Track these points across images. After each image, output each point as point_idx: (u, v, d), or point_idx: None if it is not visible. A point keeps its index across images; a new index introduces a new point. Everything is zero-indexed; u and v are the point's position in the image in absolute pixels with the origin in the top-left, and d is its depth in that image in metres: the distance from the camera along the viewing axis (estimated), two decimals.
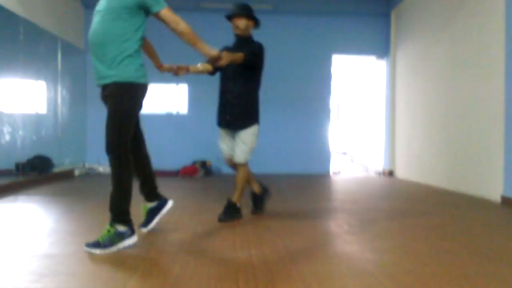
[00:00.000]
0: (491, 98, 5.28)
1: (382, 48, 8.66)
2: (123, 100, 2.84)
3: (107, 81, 2.85)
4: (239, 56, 3.55)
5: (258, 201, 4.18)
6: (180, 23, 2.88)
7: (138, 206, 3.35)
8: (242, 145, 3.81)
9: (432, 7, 6.94)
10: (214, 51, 3.14)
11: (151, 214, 3.34)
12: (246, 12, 3.85)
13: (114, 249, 2.77)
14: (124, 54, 2.82)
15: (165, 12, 2.86)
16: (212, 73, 3.97)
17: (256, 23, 3.94)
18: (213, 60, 3.22)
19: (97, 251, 2.72)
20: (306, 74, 8.52)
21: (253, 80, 3.89)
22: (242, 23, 3.83)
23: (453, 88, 6.22)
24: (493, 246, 3.11)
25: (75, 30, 7.91)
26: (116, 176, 2.88)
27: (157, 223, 3.36)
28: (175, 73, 3.66)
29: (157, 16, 2.87)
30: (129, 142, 2.89)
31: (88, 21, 8.23)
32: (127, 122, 2.87)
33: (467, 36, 5.89)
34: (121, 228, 2.84)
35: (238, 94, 3.82)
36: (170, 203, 3.40)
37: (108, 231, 2.81)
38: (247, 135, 3.82)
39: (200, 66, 3.88)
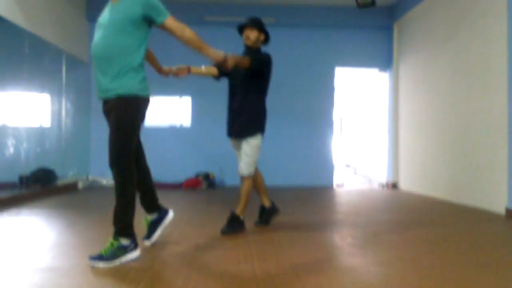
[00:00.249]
0: (494, 110, 5.28)
1: (385, 61, 8.68)
2: (127, 112, 2.83)
3: (110, 94, 2.85)
4: (246, 59, 3.59)
5: (265, 214, 4.18)
6: (185, 30, 2.89)
7: (141, 218, 3.34)
8: (245, 158, 3.82)
9: (434, 20, 6.97)
10: (220, 55, 3.12)
11: (153, 226, 3.33)
12: (259, 25, 3.92)
13: (117, 262, 2.76)
14: (127, 67, 2.83)
15: (170, 22, 2.87)
16: (217, 77, 3.98)
17: (267, 38, 4.01)
18: (220, 63, 3.21)
19: (100, 264, 2.71)
20: (309, 87, 8.55)
21: (259, 89, 3.91)
22: (253, 34, 3.89)
23: (456, 100, 6.23)
24: (498, 258, 3.09)
25: (80, 43, 7.97)
26: (119, 190, 2.86)
27: (160, 235, 3.36)
28: (175, 75, 3.66)
29: (162, 26, 2.88)
30: (132, 156, 2.89)
31: (92, 35, 8.27)
32: (130, 135, 2.86)
33: (469, 49, 5.91)
34: (124, 241, 2.83)
35: (244, 103, 3.84)
36: (171, 214, 3.40)
37: (112, 244, 2.80)
38: (250, 148, 3.82)
39: (204, 68, 3.88)
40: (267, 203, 4.19)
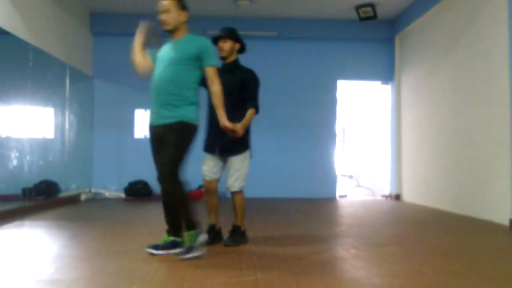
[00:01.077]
0: (496, 121, 5.28)
1: (387, 73, 8.71)
2: (187, 137, 3.21)
3: (170, 120, 3.16)
4: (250, 115, 3.69)
5: (237, 233, 3.86)
6: (216, 85, 3.27)
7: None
8: (236, 173, 3.75)
9: (436, 32, 7.01)
10: (227, 124, 3.36)
11: (166, 246, 3.35)
12: (232, 34, 3.81)
13: (201, 248, 3.16)
14: (188, 101, 3.20)
15: (212, 69, 3.26)
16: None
17: (242, 48, 3.89)
18: (228, 132, 3.44)
19: (195, 254, 3.11)
20: (311, 100, 8.57)
21: (243, 106, 3.76)
22: (227, 45, 3.77)
23: (458, 112, 6.23)
24: (502, 269, 3.07)
25: (83, 57, 8.04)
26: (180, 197, 3.19)
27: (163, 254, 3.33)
28: None
29: (206, 69, 3.25)
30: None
31: (96, 49, 8.40)
32: (185, 155, 3.22)
33: (471, 60, 5.93)
34: (195, 231, 3.19)
35: (232, 120, 3.51)
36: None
37: (189, 235, 3.15)
38: (241, 162, 3.77)
39: None
40: (215, 221, 3.91)
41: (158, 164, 3.26)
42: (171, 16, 3.21)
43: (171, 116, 3.17)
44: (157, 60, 3.29)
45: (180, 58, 3.19)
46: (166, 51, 3.28)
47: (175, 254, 3.17)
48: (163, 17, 3.22)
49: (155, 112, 3.26)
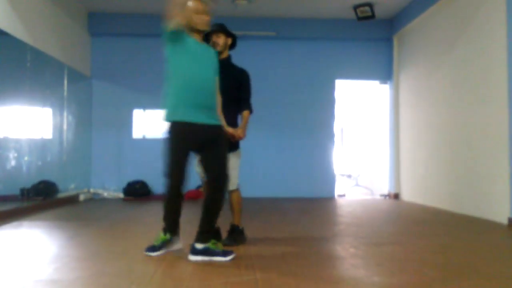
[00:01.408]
0: (494, 120, 5.29)
1: (385, 73, 8.72)
2: None
3: (219, 122, 3.30)
4: (248, 118, 3.77)
5: (235, 233, 3.91)
6: (219, 95, 3.42)
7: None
8: (232, 172, 3.71)
9: (434, 31, 7.02)
10: (229, 129, 3.48)
11: (162, 245, 3.36)
12: (224, 28, 3.83)
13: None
14: (216, 104, 3.32)
15: (217, 80, 3.40)
16: None
17: (234, 42, 3.90)
18: (229, 137, 3.50)
19: (229, 258, 3.15)
20: (309, 99, 8.58)
21: (238, 105, 3.82)
22: (221, 40, 3.78)
23: (456, 111, 6.24)
24: (501, 268, 3.07)
25: (82, 57, 8.03)
26: (221, 204, 3.32)
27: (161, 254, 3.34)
28: None
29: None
30: None
31: (94, 49, 8.38)
32: None
33: (469, 59, 5.94)
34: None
35: (225, 117, 3.58)
36: (180, 245, 3.47)
37: (214, 244, 3.23)
38: (234, 162, 3.76)
39: None
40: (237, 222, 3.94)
41: (183, 165, 3.26)
42: (210, 20, 3.33)
43: (218, 118, 3.31)
44: (190, 55, 3.19)
45: (214, 64, 3.32)
46: (198, 49, 3.26)
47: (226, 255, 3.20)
48: (208, 18, 3.29)
49: (197, 110, 3.16)
